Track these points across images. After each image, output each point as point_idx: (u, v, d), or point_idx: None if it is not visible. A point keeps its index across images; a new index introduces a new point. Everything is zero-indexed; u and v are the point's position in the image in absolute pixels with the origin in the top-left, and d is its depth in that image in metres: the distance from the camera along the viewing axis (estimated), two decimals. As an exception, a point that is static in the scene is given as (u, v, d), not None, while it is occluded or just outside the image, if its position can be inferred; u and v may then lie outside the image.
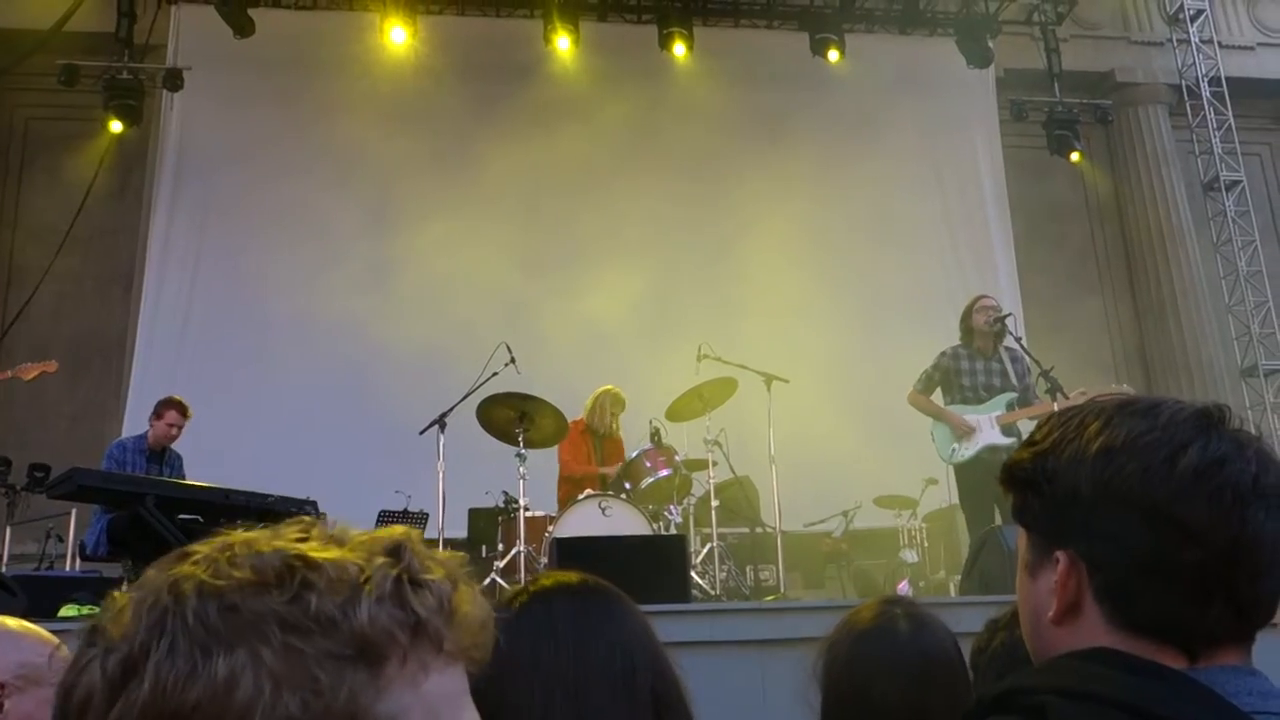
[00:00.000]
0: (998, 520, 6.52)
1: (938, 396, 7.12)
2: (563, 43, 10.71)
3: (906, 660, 1.94)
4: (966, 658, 2.02)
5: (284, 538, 0.69)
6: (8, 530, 8.55)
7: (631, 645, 1.51)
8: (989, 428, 6.74)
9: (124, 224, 11.13)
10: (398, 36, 10.66)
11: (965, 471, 6.83)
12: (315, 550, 0.67)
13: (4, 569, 7.18)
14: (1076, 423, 1.09)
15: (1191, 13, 12.89)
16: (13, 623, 1.66)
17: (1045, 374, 6.64)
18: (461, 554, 0.75)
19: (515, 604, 1.56)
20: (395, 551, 0.70)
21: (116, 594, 0.69)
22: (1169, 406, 1.07)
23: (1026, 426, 6.67)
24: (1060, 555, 1.06)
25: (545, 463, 7.54)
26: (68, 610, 6.13)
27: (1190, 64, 12.87)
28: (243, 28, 10.41)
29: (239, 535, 0.70)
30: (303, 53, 10.85)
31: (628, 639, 1.52)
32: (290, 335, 10.14)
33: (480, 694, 1.47)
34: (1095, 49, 13.20)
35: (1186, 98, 12.82)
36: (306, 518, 0.73)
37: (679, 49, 10.95)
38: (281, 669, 0.62)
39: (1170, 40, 13.11)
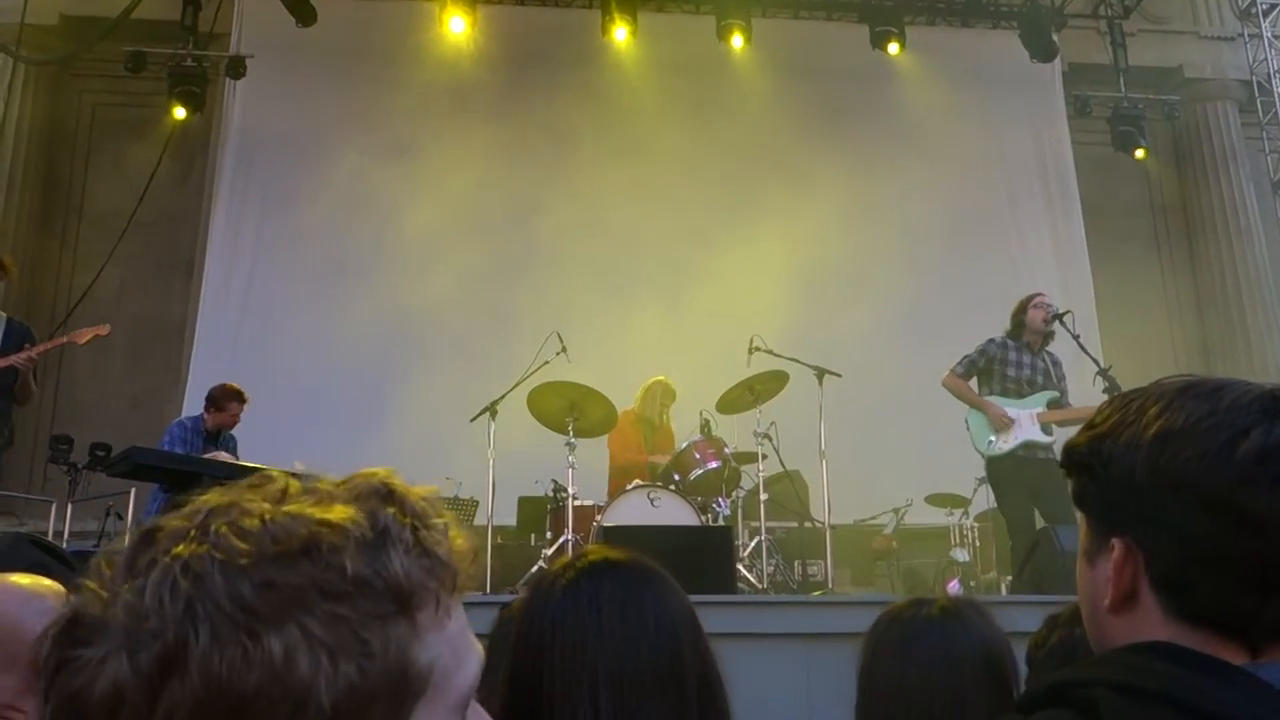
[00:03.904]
0: (1037, 517, 6.45)
1: (974, 385, 6.99)
2: (620, 33, 10.69)
3: (922, 648, 1.89)
4: (1021, 657, 1.97)
5: (273, 499, 0.67)
6: (69, 507, 8.73)
7: (677, 626, 1.50)
8: (1029, 423, 6.65)
9: (186, 210, 11.31)
10: (457, 26, 10.71)
11: (1001, 466, 6.72)
12: (319, 510, 0.66)
13: (65, 545, 7.31)
14: (1136, 406, 1.05)
15: (1264, 7, 12.58)
16: (25, 580, 1.51)
17: (1103, 373, 6.53)
18: (434, 486, 0.75)
19: (563, 579, 1.55)
20: (391, 498, 0.70)
21: (90, 585, 0.64)
22: (1233, 389, 1.02)
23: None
24: (1116, 542, 1.03)
25: (595, 452, 7.54)
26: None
27: (1262, 59, 12.57)
28: (305, 16, 10.51)
29: (214, 501, 0.67)
30: (364, 41, 10.96)
31: (674, 620, 1.51)
32: (346, 321, 10.22)
33: (526, 666, 1.47)
34: (1163, 44, 12.94)
35: (1257, 94, 12.52)
36: (270, 471, 0.71)
37: (737, 40, 10.87)
38: (331, 638, 0.61)
39: (1242, 35, 12.81)
